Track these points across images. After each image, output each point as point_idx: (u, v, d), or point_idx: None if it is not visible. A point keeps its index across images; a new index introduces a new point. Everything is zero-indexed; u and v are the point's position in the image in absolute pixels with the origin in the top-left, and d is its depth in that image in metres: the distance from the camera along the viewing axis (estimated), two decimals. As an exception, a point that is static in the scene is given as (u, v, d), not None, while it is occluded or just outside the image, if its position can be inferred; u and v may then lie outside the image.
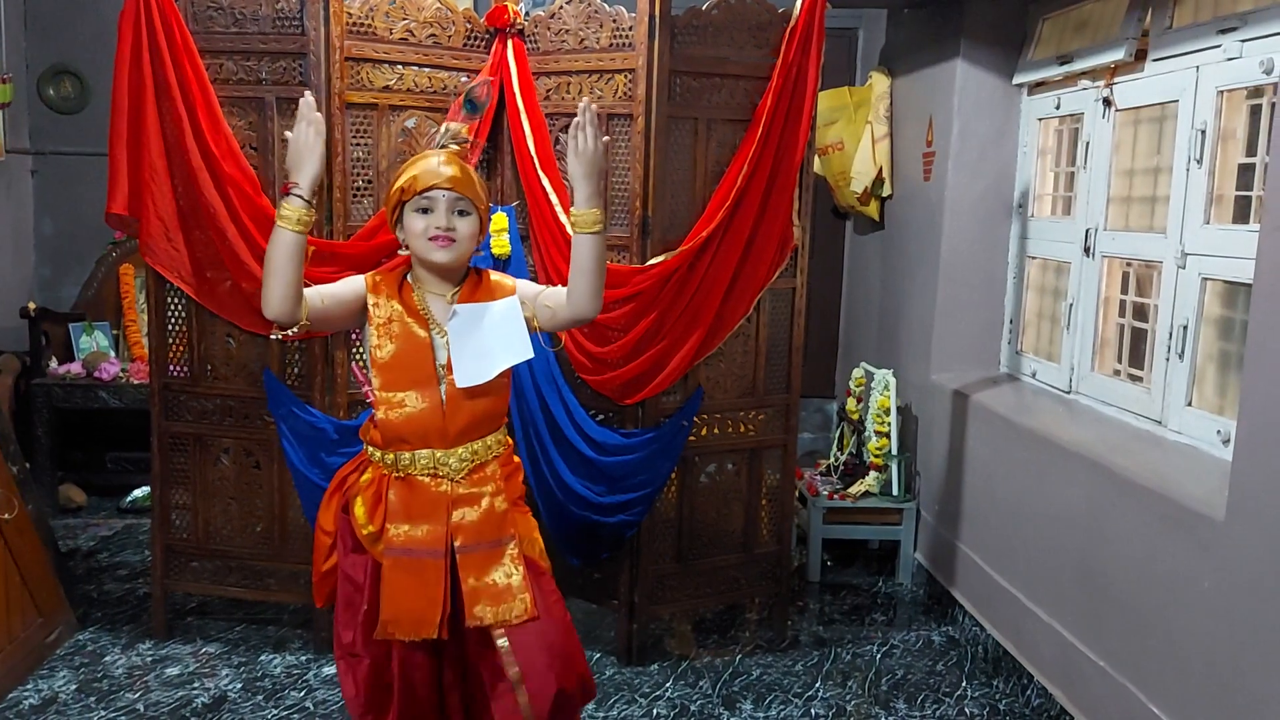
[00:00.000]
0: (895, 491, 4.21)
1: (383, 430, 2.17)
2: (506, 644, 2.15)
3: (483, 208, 2.21)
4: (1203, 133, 2.87)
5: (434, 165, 2.15)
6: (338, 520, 2.27)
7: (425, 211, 2.14)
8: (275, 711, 3.05)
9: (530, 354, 2.20)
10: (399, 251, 2.26)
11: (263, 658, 3.37)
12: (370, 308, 2.18)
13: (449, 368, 2.17)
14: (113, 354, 4.79)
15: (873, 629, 3.77)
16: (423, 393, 2.16)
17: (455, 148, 2.23)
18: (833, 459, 4.58)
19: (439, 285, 2.22)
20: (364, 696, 2.26)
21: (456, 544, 2.16)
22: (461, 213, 2.16)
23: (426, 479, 2.18)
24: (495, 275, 2.30)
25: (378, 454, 2.21)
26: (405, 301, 2.20)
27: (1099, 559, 2.93)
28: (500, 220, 3.26)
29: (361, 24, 3.14)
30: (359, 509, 2.21)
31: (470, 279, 2.26)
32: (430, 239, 2.14)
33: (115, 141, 3.09)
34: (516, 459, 2.37)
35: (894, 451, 4.20)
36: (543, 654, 2.16)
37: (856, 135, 4.76)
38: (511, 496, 2.27)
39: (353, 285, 2.21)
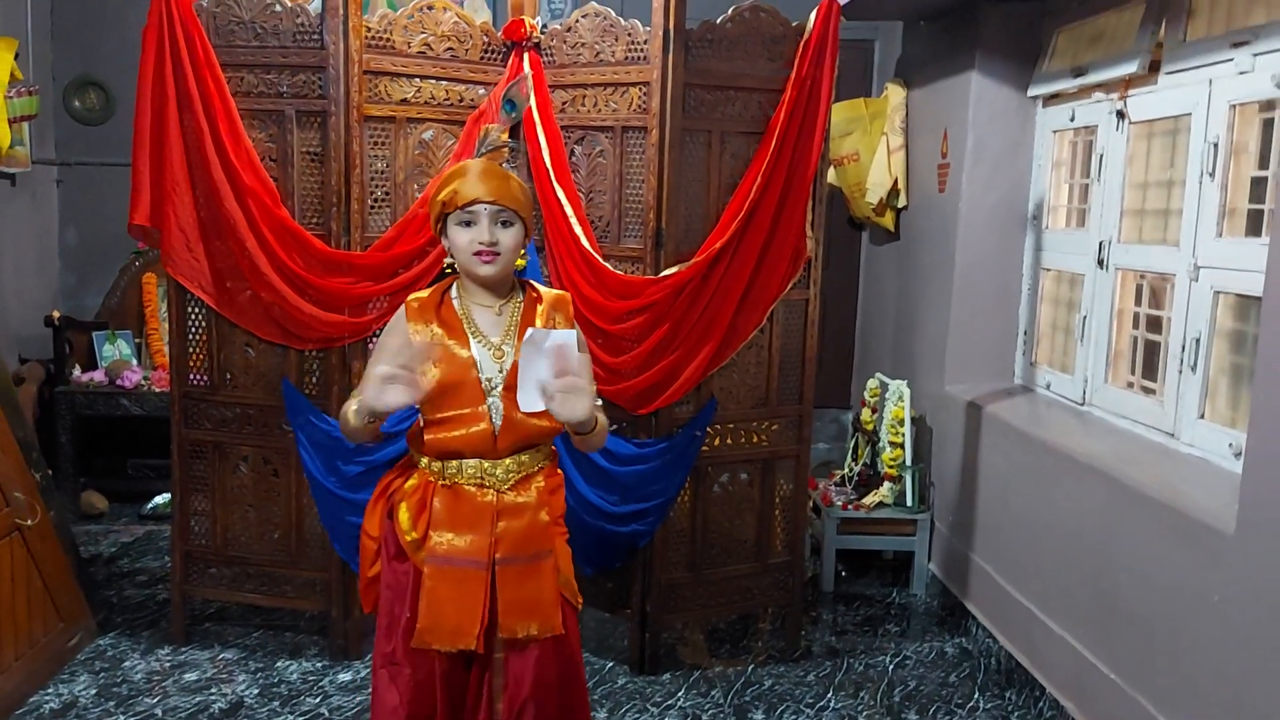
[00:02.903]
0: (909, 502, 4.21)
1: (431, 447, 2.16)
2: (502, 657, 2.18)
3: (525, 214, 2.17)
4: (1215, 146, 2.87)
5: (474, 178, 2.11)
6: (382, 526, 2.25)
7: (468, 225, 2.12)
8: (291, 718, 3.08)
9: None
10: (445, 260, 2.22)
11: (279, 664, 3.40)
12: (410, 336, 2.14)
13: (507, 384, 2.12)
14: (135, 362, 4.85)
15: (886, 640, 3.78)
16: (473, 411, 2.13)
17: (493, 153, 2.19)
18: (847, 469, 4.59)
19: (486, 296, 2.20)
20: (407, 707, 2.22)
21: (497, 556, 2.15)
22: (505, 224, 2.13)
23: (473, 488, 2.16)
24: (550, 293, 2.27)
25: (424, 460, 2.19)
26: (445, 320, 2.17)
27: (1111, 571, 2.93)
28: (516, 231, 3.29)
29: (380, 38, 3.18)
30: (403, 515, 2.18)
31: (529, 295, 2.24)
32: (475, 254, 2.12)
33: (138, 154, 3.14)
34: (560, 472, 2.34)
35: (908, 462, 4.20)
36: (529, 673, 2.18)
37: (872, 146, 4.77)
38: (554, 514, 2.25)
39: (398, 331, 2.16)
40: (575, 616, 2.30)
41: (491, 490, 2.16)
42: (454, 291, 2.22)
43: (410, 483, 2.22)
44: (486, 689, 2.19)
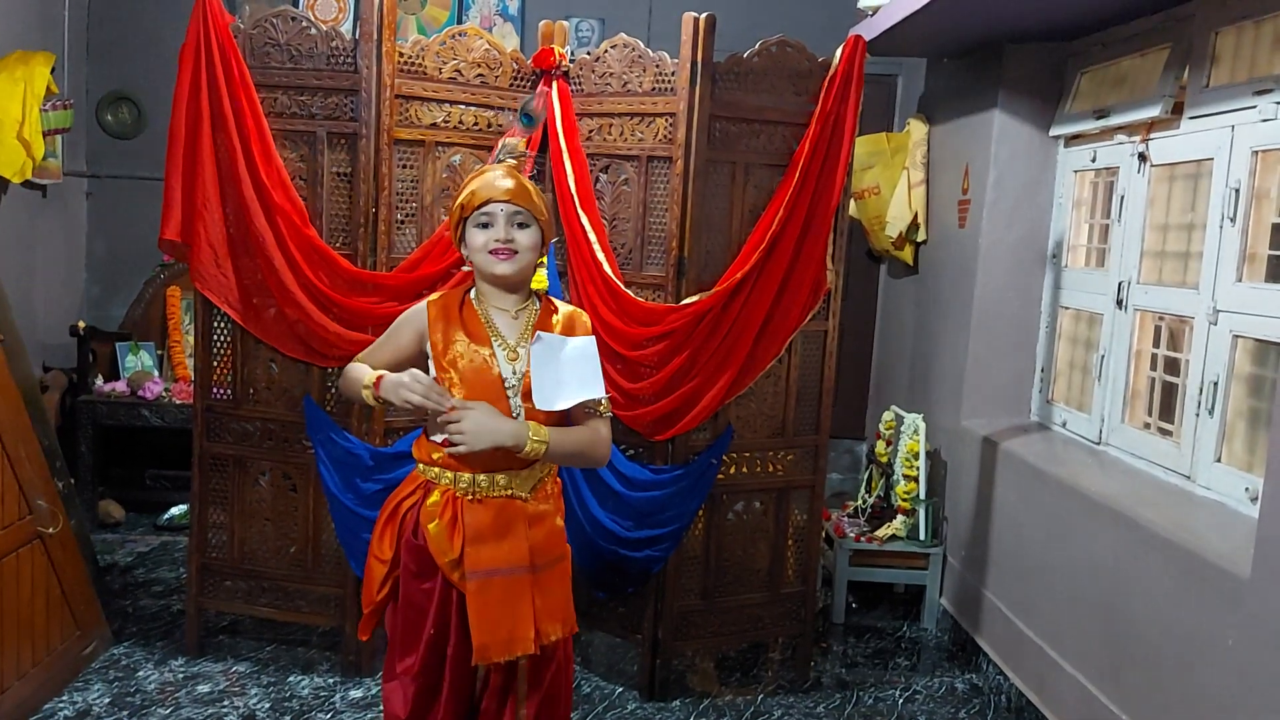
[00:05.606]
0: (922, 536, 4.21)
1: (463, 458, 2.15)
2: (525, 664, 2.22)
3: (543, 219, 2.22)
4: (1236, 191, 2.89)
5: (491, 180, 2.18)
6: (394, 547, 2.23)
7: (485, 226, 2.18)
8: (302, 732, 3.11)
9: (599, 394, 2.21)
10: (462, 268, 2.30)
11: (291, 679, 3.42)
12: (432, 335, 2.21)
13: (521, 388, 2.18)
14: (157, 373, 4.90)
15: (896, 673, 3.77)
16: (499, 407, 2.17)
17: (512, 162, 2.26)
18: (861, 501, 4.59)
19: (503, 300, 2.24)
20: (408, 714, 2.25)
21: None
22: (521, 225, 2.18)
23: (500, 498, 2.19)
24: (566, 308, 2.32)
25: (448, 476, 2.19)
26: (465, 322, 2.22)
27: (1124, 612, 2.93)
28: (539, 256, 3.33)
29: (412, 63, 3.23)
30: (438, 534, 2.16)
31: (545, 305, 2.29)
32: (491, 252, 2.17)
33: (171, 170, 3.19)
34: (559, 480, 2.39)
35: (922, 496, 4.21)
36: (550, 675, 2.27)
37: (893, 180, 4.80)
38: (562, 519, 2.32)
39: (414, 326, 2.25)
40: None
41: (517, 499, 2.21)
42: (473, 295, 2.27)
43: (432, 499, 2.20)
44: (512, 697, 2.23)
